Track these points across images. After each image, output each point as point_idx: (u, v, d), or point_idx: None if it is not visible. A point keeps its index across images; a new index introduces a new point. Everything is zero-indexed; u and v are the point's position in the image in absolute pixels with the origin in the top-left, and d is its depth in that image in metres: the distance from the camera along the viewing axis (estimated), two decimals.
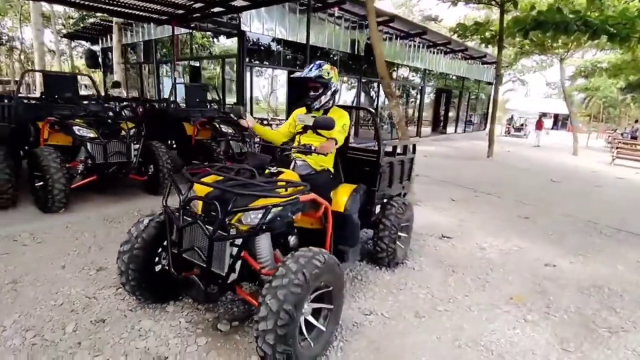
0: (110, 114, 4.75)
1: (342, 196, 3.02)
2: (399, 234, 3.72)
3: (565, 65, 16.22)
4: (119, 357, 2.12)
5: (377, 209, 3.47)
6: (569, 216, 5.84)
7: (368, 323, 2.68)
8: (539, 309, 3.07)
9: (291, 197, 2.11)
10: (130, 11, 7.99)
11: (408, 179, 4.10)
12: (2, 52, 23.60)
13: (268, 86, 12.23)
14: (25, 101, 4.73)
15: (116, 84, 6.83)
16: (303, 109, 3.06)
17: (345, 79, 13.25)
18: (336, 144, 2.57)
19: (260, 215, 2.06)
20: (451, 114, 20.13)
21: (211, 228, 2.02)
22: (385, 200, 3.59)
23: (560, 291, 3.40)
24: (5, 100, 4.79)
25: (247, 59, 9.03)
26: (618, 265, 4.04)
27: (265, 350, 1.87)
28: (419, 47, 15.00)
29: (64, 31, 21.03)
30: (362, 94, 13.58)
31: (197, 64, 10.22)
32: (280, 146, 2.76)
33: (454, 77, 18.75)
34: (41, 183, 3.96)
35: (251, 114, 8.56)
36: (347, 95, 13.60)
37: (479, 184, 7.74)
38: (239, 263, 2.11)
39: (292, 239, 2.61)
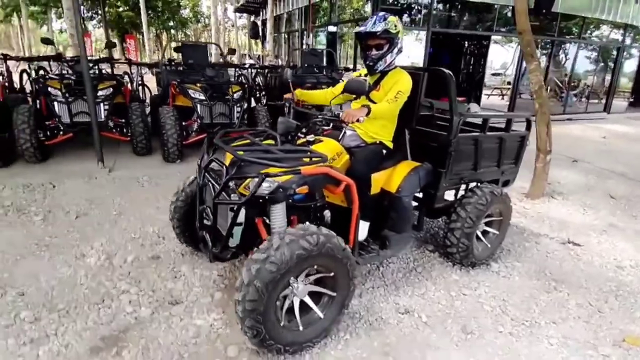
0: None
1: (399, 175, 2.61)
2: (485, 228, 3.06)
3: None
4: (147, 292, 2.42)
5: (451, 195, 2.89)
6: None
7: (396, 323, 2.31)
8: None
9: (289, 169, 1.92)
10: None
11: (515, 163, 3.26)
12: (199, 29, 28.91)
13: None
14: (169, 68, 5.68)
15: (231, 51, 7.52)
16: (361, 72, 2.71)
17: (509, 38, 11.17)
18: (368, 113, 2.19)
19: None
20: None
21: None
22: (466, 187, 2.97)
23: None
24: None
25: None
26: None
27: (239, 320, 1.83)
28: None
29: None
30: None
31: (335, 30, 10.27)
32: (312, 112, 2.53)
33: None
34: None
35: None
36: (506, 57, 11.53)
37: None
38: (239, 229, 2.08)
39: (327, 215, 2.43)
